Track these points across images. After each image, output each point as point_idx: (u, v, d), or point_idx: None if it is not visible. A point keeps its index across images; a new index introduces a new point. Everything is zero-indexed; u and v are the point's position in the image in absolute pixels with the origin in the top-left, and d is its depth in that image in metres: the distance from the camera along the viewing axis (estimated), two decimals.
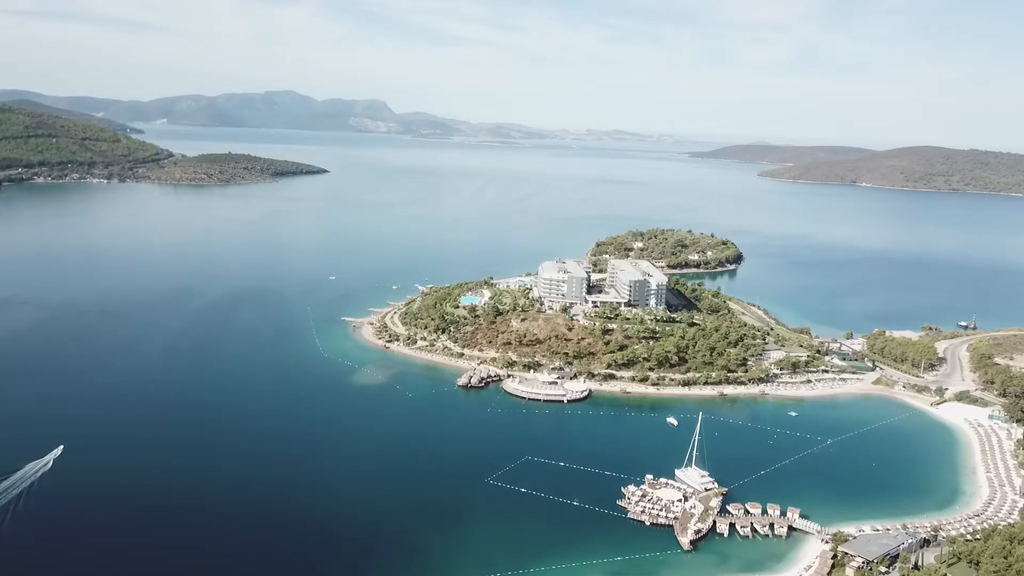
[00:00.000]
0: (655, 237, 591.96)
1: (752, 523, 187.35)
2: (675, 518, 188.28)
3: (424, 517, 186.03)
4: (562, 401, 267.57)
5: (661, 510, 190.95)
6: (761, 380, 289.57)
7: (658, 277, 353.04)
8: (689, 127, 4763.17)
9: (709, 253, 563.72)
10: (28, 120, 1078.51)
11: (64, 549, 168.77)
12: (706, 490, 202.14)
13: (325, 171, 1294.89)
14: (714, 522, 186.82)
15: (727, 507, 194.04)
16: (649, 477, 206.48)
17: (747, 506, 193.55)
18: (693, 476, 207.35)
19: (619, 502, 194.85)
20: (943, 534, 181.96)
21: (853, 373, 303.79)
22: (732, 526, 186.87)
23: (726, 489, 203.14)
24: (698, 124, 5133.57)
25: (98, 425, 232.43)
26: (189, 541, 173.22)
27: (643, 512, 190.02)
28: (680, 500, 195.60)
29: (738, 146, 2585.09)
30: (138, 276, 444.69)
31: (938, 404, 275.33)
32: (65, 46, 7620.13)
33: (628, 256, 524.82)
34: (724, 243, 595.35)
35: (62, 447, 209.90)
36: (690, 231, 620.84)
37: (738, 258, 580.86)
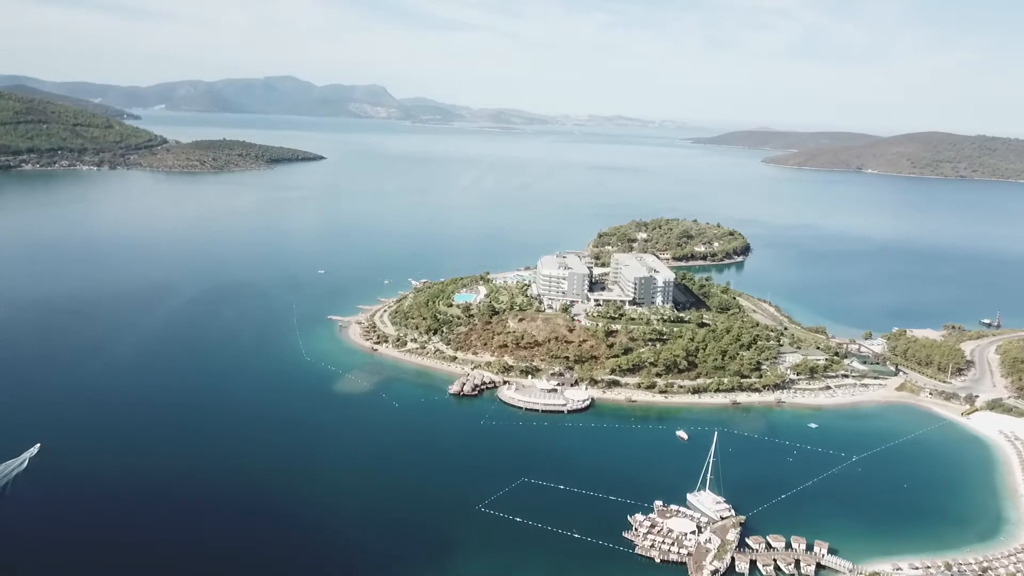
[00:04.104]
0: (659, 228, 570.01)
1: (775, 560, 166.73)
2: (688, 554, 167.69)
3: (407, 551, 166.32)
4: (562, 411, 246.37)
5: (673, 544, 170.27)
6: (777, 387, 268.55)
7: (665, 273, 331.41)
8: (691, 113, 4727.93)
9: (716, 244, 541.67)
10: (18, 106, 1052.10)
11: (44, 550, 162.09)
12: (722, 518, 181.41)
13: (322, 158, 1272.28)
14: (733, 559, 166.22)
15: (746, 540, 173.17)
16: (658, 503, 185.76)
17: (769, 539, 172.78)
18: (707, 502, 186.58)
19: (625, 534, 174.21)
20: (992, 574, 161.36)
21: (875, 378, 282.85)
22: (753, 563, 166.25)
23: (743, 518, 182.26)
24: (700, 110, 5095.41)
25: (73, 424, 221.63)
26: (163, 546, 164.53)
27: (652, 547, 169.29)
28: (694, 532, 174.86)
29: (741, 132, 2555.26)
30: (119, 270, 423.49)
31: (969, 414, 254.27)
32: (64, 31, 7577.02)
33: (632, 248, 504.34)
34: (731, 234, 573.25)
35: (39, 445, 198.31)
36: (695, 221, 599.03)
37: (746, 249, 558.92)
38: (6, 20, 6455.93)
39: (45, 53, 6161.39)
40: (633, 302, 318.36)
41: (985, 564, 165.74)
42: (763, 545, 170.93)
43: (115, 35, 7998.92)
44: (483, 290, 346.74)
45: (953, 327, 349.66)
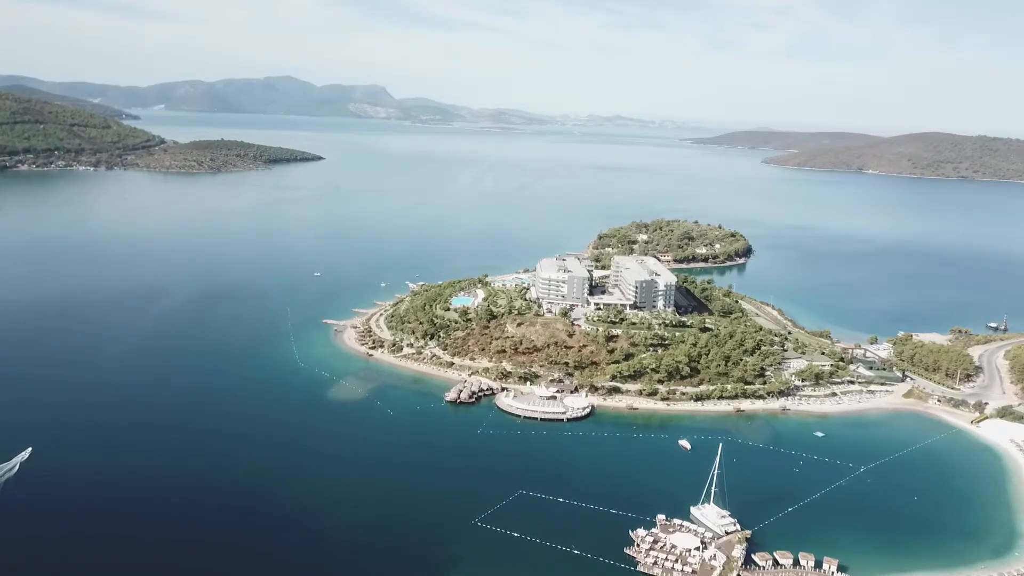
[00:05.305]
0: (660, 229, 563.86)
1: None
2: (693, 572, 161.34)
3: (400, 567, 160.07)
4: (561, 420, 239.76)
5: (676, 561, 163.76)
6: (781, 393, 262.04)
7: (667, 276, 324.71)
8: (691, 113, 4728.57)
9: (717, 246, 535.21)
10: (15, 105, 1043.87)
11: (36, 554, 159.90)
12: (727, 533, 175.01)
13: (321, 158, 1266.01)
14: None
15: (752, 556, 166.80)
16: (661, 517, 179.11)
17: (776, 555, 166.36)
18: (711, 516, 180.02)
19: (627, 550, 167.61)
20: None
21: (881, 384, 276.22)
22: None
23: (749, 532, 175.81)
24: (700, 110, 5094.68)
25: (66, 427, 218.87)
26: (156, 547, 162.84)
27: (655, 564, 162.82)
28: (698, 548, 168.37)
29: (741, 132, 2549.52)
30: (113, 272, 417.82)
31: (979, 421, 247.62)
32: (64, 31, 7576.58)
33: (632, 249, 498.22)
34: (732, 235, 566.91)
35: (30, 449, 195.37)
36: (696, 222, 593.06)
37: (747, 251, 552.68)
38: (6, 20, 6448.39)
39: (45, 53, 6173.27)
40: (634, 306, 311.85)
41: None
42: (770, 562, 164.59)
43: (115, 35, 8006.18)
44: (481, 293, 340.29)
45: (960, 331, 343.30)
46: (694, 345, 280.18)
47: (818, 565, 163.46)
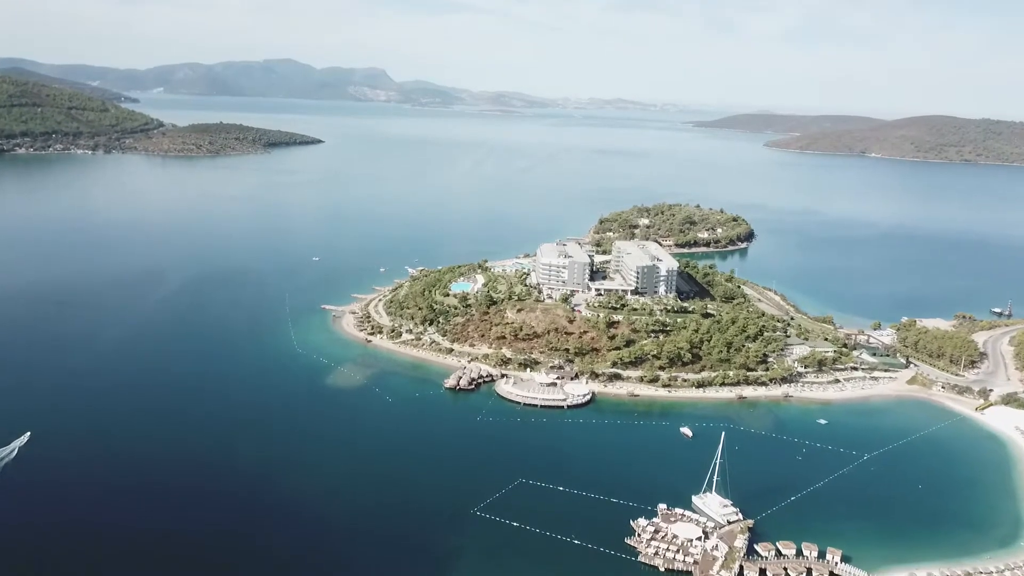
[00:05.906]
0: (662, 213, 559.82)
1: (786, 568, 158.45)
2: (695, 562, 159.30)
3: (396, 558, 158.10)
4: (562, 407, 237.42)
5: (678, 551, 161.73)
6: (784, 380, 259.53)
7: (668, 262, 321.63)
8: (693, 96, 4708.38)
9: (719, 231, 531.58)
10: (12, 89, 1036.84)
11: (34, 540, 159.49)
12: (729, 523, 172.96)
13: (320, 141, 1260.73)
14: (741, 568, 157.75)
15: (755, 546, 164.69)
16: (662, 507, 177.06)
17: (779, 545, 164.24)
18: (713, 505, 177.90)
19: (628, 540, 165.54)
20: None
21: (885, 371, 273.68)
22: (763, 572, 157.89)
23: (752, 522, 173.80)
24: (702, 93, 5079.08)
25: (64, 413, 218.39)
26: (152, 533, 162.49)
27: (656, 554, 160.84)
28: (700, 538, 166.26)
29: (743, 115, 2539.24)
30: (109, 257, 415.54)
31: (983, 408, 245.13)
32: (63, 14, 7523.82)
33: (633, 234, 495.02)
34: (734, 219, 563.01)
35: (28, 434, 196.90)
36: (698, 206, 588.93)
37: (749, 235, 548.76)
38: (5, 2, 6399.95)
39: (44, 36, 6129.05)
40: (635, 291, 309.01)
41: (1008, 574, 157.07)
42: (773, 552, 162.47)
43: (114, 18, 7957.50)
44: (481, 279, 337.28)
45: (964, 317, 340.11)
46: (696, 331, 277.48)
47: (821, 555, 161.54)
